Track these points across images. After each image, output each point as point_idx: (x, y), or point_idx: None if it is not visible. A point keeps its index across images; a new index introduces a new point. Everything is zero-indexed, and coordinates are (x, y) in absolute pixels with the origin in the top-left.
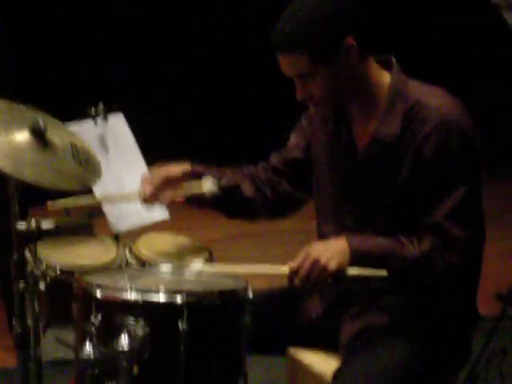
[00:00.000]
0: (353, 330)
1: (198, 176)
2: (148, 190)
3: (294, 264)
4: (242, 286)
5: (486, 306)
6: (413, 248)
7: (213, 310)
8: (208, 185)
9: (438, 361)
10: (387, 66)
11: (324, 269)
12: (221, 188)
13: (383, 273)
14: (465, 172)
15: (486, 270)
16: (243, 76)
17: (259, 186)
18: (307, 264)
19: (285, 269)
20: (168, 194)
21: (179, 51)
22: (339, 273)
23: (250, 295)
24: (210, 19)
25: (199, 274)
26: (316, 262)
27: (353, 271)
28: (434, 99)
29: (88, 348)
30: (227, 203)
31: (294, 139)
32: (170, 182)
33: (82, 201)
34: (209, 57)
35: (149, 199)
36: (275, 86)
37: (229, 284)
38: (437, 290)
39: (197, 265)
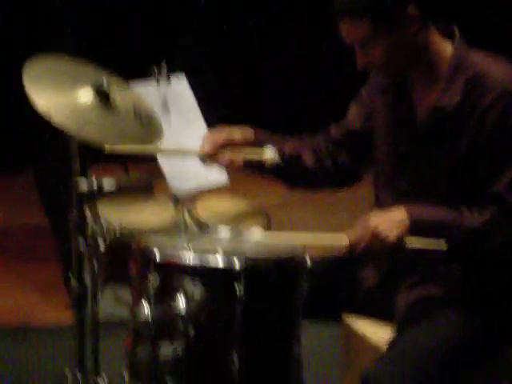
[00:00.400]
0: (409, 300)
1: (259, 143)
2: (208, 148)
3: (353, 236)
4: (300, 252)
5: None
6: (473, 218)
7: (270, 275)
8: (269, 154)
9: (490, 335)
10: (449, 36)
11: (384, 241)
12: (282, 157)
13: (443, 246)
14: None
15: None
16: (306, 46)
17: (319, 156)
18: (367, 237)
19: (345, 240)
20: (228, 156)
21: (245, 14)
22: (399, 244)
23: (308, 262)
24: None
25: (256, 238)
26: (376, 234)
27: (412, 244)
28: (496, 69)
29: (145, 308)
30: (287, 173)
31: (353, 110)
32: (231, 145)
33: (140, 149)
34: (274, 20)
35: (208, 158)
36: (336, 58)
37: (286, 250)
38: (495, 261)
39: (254, 230)
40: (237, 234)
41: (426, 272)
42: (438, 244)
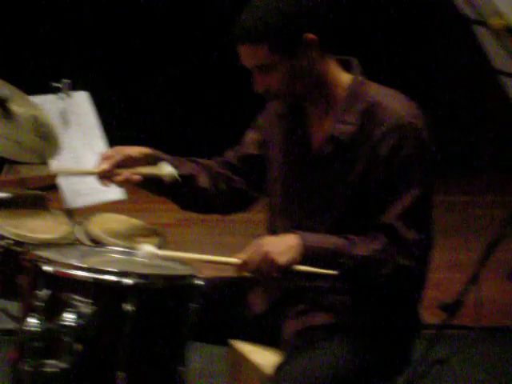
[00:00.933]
0: (296, 328)
1: (156, 160)
2: (106, 166)
3: (244, 256)
4: (192, 273)
5: (429, 315)
6: (364, 247)
7: (160, 294)
8: (167, 169)
9: (377, 365)
10: (348, 67)
11: (274, 264)
12: (178, 176)
13: (331, 271)
14: (418, 175)
15: (432, 278)
16: (207, 70)
17: (215, 179)
18: (257, 258)
19: (235, 260)
20: (124, 175)
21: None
22: (288, 268)
23: (199, 282)
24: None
25: (148, 256)
26: (266, 256)
27: (301, 267)
28: (391, 101)
29: (32, 321)
30: (182, 193)
31: (249, 136)
32: (128, 162)
33: (38, 171)
34: (176, 41)
35: (105, 176)
36: (235, 82)
37: (178, 269)
38: (385, 291)
39: (147, 248)
40: (129, 250)
41: (313, 300)
42: (326, 270)
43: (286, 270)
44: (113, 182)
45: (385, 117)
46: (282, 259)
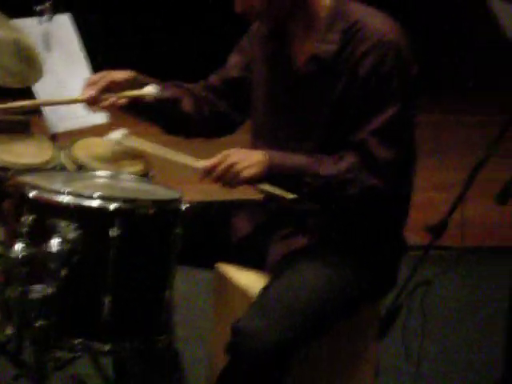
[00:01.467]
0: (281, 251)
1: (141, 84)
2: (92, 92)
3: (209, 163)
4: (176, 197)
5: (414, 236)
6: (330, 166)
7: (145, 219)
8: (149, 89)
9: (361, 286)
10: None
11: (236, 175)
12: (162, 99)
13: (290, 195)
14: (397, 93)
15: (417, 199)
16: None
17: (198, 103)
18: (222, 167)
19: (200, 164)
20: (111, 98)
21: None
22: (250, 183)
23: (184, 207)
24: None
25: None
26: (231, 167)
27: (263, 186)
28: (373, 19)
29: (17, 247)
30: (166, 116)
31: (233, 58)
32: (113, 86)
33: (23, 103)
34: None
35: (92, 102)
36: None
37: (163, 194)
38: (357, 211)
39: (115, 134)
40: (114, 175)
41: (297, 224)
42: (286, 192)
43: (247, 184)
44: (100, 107)
45: (366, 35)
46: (246, 172)
